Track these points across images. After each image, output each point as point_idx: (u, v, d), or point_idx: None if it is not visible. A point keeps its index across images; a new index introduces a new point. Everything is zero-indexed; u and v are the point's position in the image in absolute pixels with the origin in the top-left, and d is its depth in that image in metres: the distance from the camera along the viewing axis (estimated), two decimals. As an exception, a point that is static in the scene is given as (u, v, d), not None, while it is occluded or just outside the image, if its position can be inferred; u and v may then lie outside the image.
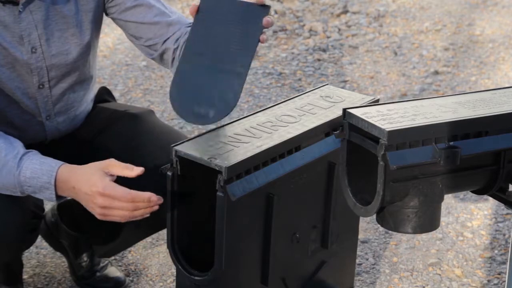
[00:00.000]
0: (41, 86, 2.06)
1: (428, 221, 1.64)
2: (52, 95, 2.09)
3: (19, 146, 1.90)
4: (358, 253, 2.64)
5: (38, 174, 1.87)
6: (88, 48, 2.11)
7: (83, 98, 2.18)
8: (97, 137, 2.21)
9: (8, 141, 1.90)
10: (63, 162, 1.89)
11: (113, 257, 2.59)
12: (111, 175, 1.84)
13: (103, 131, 2.21)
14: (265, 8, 1.83)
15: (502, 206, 2.90)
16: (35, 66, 2.02)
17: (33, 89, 2.05)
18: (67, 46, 2.06)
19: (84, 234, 2.46)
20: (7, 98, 2.02)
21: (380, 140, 1.57)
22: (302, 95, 2.14)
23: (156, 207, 1.84)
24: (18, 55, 1.99)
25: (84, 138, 2.22)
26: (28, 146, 1.96)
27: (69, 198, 1.93)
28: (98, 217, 1.85)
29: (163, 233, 2.38)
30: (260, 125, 1.97)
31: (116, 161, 1.85)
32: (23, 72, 2.02)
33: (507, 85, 3.15)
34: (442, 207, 1.70)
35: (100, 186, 1.81)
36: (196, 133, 3.33)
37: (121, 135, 2.19)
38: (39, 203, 2.21)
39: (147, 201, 1.81)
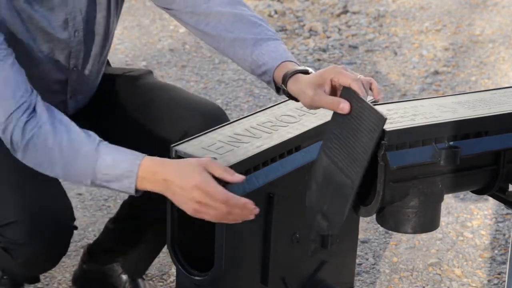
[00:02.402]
0: (74, 69, 2.03)
1: (428, 221, 1.64)
2: (82, 76, 2.07)
3: (93, 134, 1.81)
4: (358, 253, 2.64)
5: (119, 161, 1.74)
6: (113, 31, 2.09)
7: (100, 75, 2.18)
8: (114, 109, 2.19)
9: (82, 129, 1.81)
10: (145, 154, 1.78)
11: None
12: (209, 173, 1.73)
13: (118, 104, 2.20)
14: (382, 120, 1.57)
15: (502, 206, 2.90)
16: (75, 49, 1.99)
17: (66, 71, 2.02)
18: (101, 29, 2.04)
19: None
20: (37, 80, 1.95)
21: (380, 140, 1.57)
22: (302, 95, 2.14)
23: (252, 216, 1.72)
24: (61, 39, 1.95)
25: (99, 111, 2.20)
26: None
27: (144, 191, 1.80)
28: (190, 212, 1.72)
29: (163, 233, 2.38)
30: (260, 125, 1.97)
31: (215, 161, 1.76)
32: (61, 55, 1.98)
33: (507, 85, 3.15)
34: (442, 207, 1.70)
35: (198, 179, 1.69)
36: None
37: (138, 106, 2.18)
38: None
39: (242, 207, 1.71)
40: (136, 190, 1.75)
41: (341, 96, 1.69)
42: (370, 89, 1.72)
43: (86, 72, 2.08)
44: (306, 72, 1.83)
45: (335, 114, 1.67)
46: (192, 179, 1.69)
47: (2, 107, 1.77)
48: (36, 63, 1.95)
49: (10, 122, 1.76)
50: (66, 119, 1.80)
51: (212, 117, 2.12)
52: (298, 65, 1.88)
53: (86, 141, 1.77)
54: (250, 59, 1.94)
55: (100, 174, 1.75)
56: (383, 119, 1.53)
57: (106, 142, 1.78)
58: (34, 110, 1.77)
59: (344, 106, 1.65)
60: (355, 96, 1.64)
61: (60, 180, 1.91)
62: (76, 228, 2.02)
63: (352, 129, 1.60)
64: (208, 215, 1.70)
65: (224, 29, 1.98)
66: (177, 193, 1.71)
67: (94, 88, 2.17)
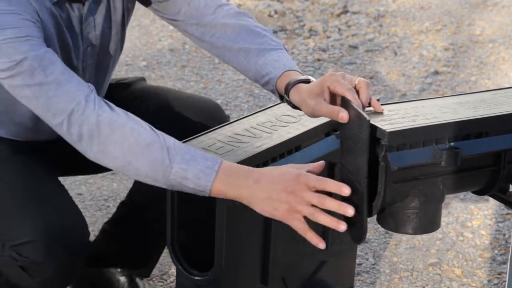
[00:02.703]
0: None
1: (429, 222, 1.64)
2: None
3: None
4: (358, 253, 2.64)
5: (200, 158, 1.67)
6: (123, 44, 2.10)
7: (107, 87, 2.18)
8: None
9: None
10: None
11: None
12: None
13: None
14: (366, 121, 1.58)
15: (502, 206, 2.90)
16: (86, 64, 1.99)
17: None
18: (113, 45, 2.04)
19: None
20: None
21: (381, 141, 1.57)
22: (302, 95, 2.14)
23: (351, 212, 1.58)
24: (74, 55, 1.95)
25: None
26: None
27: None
28: (284, 213, 1.61)
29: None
30: (260, 125, 1.97)
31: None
32: (69, 66, 1.97)
33: (507, 85, 3.15)
34: (442, 207, 1.70)
35: (292, 172, 1.62)
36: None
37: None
38: None
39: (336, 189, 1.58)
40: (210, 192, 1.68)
41: (341, 105, 1.70)
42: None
43: (97, 85, 2.09)
44: (307, 81, 1.83)
45: (339, 125, 1.68)
46: (287, 173, 1.62)
47: (69, 96, 1.71)
48: None
49: (79, 111, 1.70)
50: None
51: (211, 115, 2.13)
52: (301, 73, 1.89)
53: (163, 135, 1.71)
54: (254, 68, 1.95)
55: (178, 168, 1.67)
56: (366, 121, 1.53)
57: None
58: (101, 100, 1.73)
59: (342, 116, 1.64)
60: (350, 104, 1.64)
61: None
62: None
63: (353, 137, 1.60)
64: (303, 211, 1.60)
65: (229, 40, 1.99)
66: (267, 191, 1.62)
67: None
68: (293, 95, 1.83)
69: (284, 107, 2.06)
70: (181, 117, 2.13)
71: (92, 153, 1.72)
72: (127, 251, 2.35)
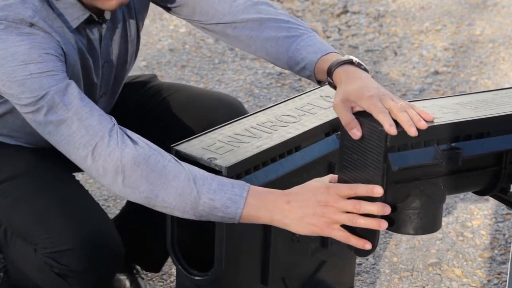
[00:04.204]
0: (103, 96, 2.05)
1: (430, 222, 1.64)
2: (109, 100, 2.09)
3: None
4: (358, 253, 2.64)
5: (227, 186, 1.65)
6: (138, 51, 2.11)
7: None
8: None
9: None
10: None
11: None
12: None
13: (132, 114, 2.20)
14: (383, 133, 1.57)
15: (502, 206, 2.90)
16: (104, 80, 2.01)
17: (95, 100, 2.02)
18: (129, 58, 2.06)
19: None
20: None
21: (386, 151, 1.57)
22: (302, 95, 2.14)
23: (388, 209, 1.57)
24: (94, 73, 1.96)
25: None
26: None
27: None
28: (323, 227, 1.60)
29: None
30: (260, 125, 1.97)
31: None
32: (91, 85, 1.98)
33: (507, 85, 3.15)
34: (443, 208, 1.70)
35: (321, 185, 1.62)
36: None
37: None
38: None
39: (369, 192, 1.57)
40: (240, 219, 1.67)
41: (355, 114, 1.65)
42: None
43: (115, 95, 2.11)
44: (350, 61, 1.77)
45: (343, 135, 1.65)
46: (315, 189, 1.61)
47: (92, 131, 1.70)
48: None
49: (103, 145, 1.69)
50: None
51: (233, 108, 2.13)
52: (338, 53, 1.83)
53: (188, 166, 1.69)
54: (286, 56, 1.92)
55: (206, 199, 1.65)
56: (383, 133, 1.53)
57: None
58: (124, 132, 1.72)
59: (355, 133, 1.59)
60: (366, 119, 1.62)
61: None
62: None
63: (360, 150, 1.59)
64: (341, 219, 1.59)
65: (253, 30, 1.96)
66: (299, 210, 1.61)
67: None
68: (336, 78, 1.77)
69: (284, 107, 2.06)
70: (206, 111, 2.13)
71: (117, 188, 1.70)
72: (135, 245, 2.34)
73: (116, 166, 1.68)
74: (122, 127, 1.74)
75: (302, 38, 1.91)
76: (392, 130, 1.53)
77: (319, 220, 1.60)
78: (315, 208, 1.60)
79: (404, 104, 1.60)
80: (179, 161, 1.70)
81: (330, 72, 1.79)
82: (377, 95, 1.62)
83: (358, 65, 1.78)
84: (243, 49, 2.01)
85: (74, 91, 1.73)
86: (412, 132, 1.54)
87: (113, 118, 1.75)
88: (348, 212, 1.60)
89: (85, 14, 1.86)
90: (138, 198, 1.70)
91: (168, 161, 1.69)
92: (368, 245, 1.60)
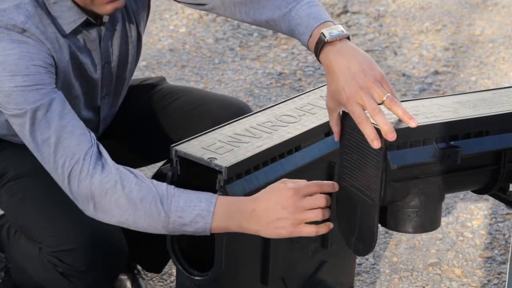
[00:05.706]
0: (106, 97, 2.06)
1: (429, 221, 1.64)
2: (112, 102, 2.10)
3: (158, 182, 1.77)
4: (358, 253, 2.63)
5: (194, 202, 1.70)
6: (140, 52, 2.12)
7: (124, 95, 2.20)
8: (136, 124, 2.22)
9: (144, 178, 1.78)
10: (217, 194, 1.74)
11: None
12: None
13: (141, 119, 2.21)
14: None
15: (502, 206, 2.90)
16: (105, 80, 2.02)
17: (97, 100, 2.04)
18: (130, 58, 2.07)
19: None
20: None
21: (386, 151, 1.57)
22: (302, 95, 2.14)
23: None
24: (93, 73, 1.97)
25: (124, 123, 2.22)
26: None
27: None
28: (289, 228, 1.65)
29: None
30: (260, 125, 1.97)
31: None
32: (91, 85, 1.99)
33: (507, 85, 3.15)
34: (442, 207, 1.70)
35: (282, 187, 1.67)
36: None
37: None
38: None
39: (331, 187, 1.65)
40: (211, 230, 1.72)
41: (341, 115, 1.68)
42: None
43: (118, 97, 2.11)
44: (329, 43, 1.70)
45: (343, 138, 1.67)
46: (279, 191, 1.66)
47: (69, 152, 1.74)
48: (71, 94, 1.95)
49: (77, 170, 1.74)
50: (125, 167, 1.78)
51: (242, 112, 2.14)
52: (321, 23, 1.76)
53: (154, 185, 1.74)
54: (286, 32, 1.85)
55: (175, 217, 1.71)
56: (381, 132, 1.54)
57: (173, 186, 1.75)
58: (100, 154, 1.76)
59: (336, 136, 1.67)
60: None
61: None
62: None
63: (360, 150, 1.60)
64: (311, 216, 1.65)
65: (272, 8, 1.86)
66: (266, 218, 1.66)
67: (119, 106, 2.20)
68: (323, 65, 1.73)
69: (284, 107, 2.07)
70: (214, 115, 2.14)
71: (90, 213, 1.77)
72: (136, 245, 2.34)
73: (87, 193, 1.74)
74: (100, 146, 1.77)
75: (291, 15, 1.82)
76: (375, 144, 1.56)
77: (285, 222, 1.65)
78: (279, 213, 1.65)
79: (386, 99, 1.60)
80: (145, 180, 1.74)
81: (318, 57, 1.76)
82: (355, 96, 1.62)
83: (336, 40, 1.70)
84: (270, 28, 1.93)
85: (57, 107, 1.76)
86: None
87: (93, 136, 1.78)
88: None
89: (82, 18, 1.87)
90: (111, 221, 1.76)
91: (135, 184, 1.73)
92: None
